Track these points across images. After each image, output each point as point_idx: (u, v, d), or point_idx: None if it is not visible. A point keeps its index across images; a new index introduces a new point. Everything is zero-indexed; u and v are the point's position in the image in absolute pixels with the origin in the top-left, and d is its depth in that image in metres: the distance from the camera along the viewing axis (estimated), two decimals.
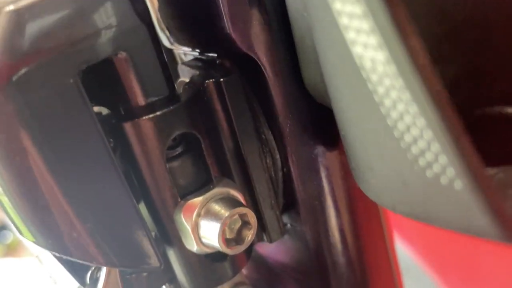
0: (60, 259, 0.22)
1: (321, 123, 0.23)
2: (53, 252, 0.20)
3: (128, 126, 0.19)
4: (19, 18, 0.17)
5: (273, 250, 0.27)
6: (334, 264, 0.26)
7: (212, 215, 0.20)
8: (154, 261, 0.20)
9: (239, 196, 0.21)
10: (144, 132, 0.19)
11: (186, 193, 0.21)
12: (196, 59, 0.24)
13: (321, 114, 0.22)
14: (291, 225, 0.25)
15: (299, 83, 0.21)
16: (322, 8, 0.14)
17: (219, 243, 0.20)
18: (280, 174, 0.23)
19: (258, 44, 0.21)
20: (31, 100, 0.17)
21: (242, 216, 0.20)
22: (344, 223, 0.26)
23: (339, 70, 0.15)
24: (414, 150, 0.13)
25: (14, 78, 0.17)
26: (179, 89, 0.22)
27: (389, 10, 0.12)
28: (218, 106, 0.21)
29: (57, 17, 0.17)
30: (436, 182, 0.13)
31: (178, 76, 0.25)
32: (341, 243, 0.26)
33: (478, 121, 0.19)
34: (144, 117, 0.19)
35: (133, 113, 0.19)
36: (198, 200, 0.20)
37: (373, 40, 0.12)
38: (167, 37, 0.24)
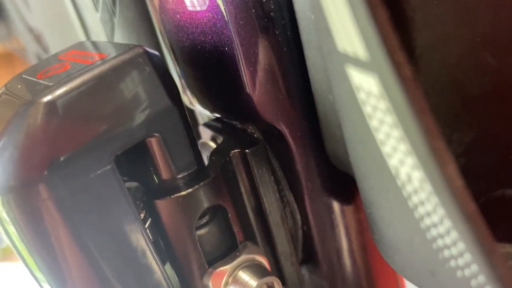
0: None
1: (339, 184, 0.24)
2: None
3: (159, 203, 0.20)
4: (55, 108, 0.17)
5: None
6: None
7: (241, 285, 0.21)
8: None
9: (264, 262, 0.22)
10: (174, 209, 0.20)
11: (213, 259, 0.21)
12: (217, 119, 0.25)
13: (339, 176, 0.23)
14: (309, 277, 0.26)
15: (321, 151, 0.22)
16: (355, 115, 0.14)
17: None
18: (300, 232, 0.24)
19: (282, 116, 0.21)
20: (70, 188, 0.17)
21: (268, 283, 0.21)
22: (361, 276, 0.26)
23: (370, 167, 0.16)
24: (446, 253, 0.14)
25: (53, 168, 0.17)
26: (201, 150, 0.22)
27: (427, 139, 0.12)
28: (243, 175, 0.22)
29: (91, 106, 0.18)
30: (466, 282, 0.14)
31: (199, 137, 0.26)
32: None
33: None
34: (174, 195, 0.19)
35: (164, 191, 0.20)
36: (225, 268, 0.21)
37: (410, 161, 0.13)
38: (188, 98, 0.25)
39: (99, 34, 0.30)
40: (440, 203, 0.13)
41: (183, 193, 0.19)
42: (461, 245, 0.13)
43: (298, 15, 0.18)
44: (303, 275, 0.26)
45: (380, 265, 0.26)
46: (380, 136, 0.14)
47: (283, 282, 0.25)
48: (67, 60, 0.20)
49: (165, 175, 0.20)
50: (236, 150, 0.21)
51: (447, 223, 0.13)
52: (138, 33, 0.28)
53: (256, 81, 0.21)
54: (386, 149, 0.14)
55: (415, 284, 0.18)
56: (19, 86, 0.20)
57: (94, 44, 0.22)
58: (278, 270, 0.24)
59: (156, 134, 0.19)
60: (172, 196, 0.19)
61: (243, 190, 0.22)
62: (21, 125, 0.17)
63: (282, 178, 0.23)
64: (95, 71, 0.18)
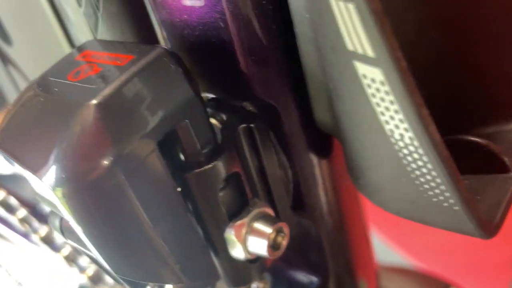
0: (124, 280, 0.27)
1: (320, 145, 0.29)
2: (135, 279, 0.25)
3: (190, 176, 0.24)
4: (105, 109, 0.21)
5: None
6: (328, 236, 0.33)
7: (258, 232, 0.26)
8: (215, 275, 0.26)
9: (271, 212, 0.27)
10: (202, 179, 0.24)
11: (232, 215, 0.26)
12: (212, 99, 0.29)
13: (319, 138, 0.29)
14: (298, 218, 0.32)
15: (307, 120, 0.27)
16: (358, 95, 0.20)
17: (267, 253, 0.26)
18: (291, 185, 0.30)
19: (274, 92, 0.26)
20: (128, 174, 0.21)
21: (278, 228, 0.26)
22: (334, 212, 0.33)
23: (367, 131, 0.21)
24: (426, 186, 0.20)
25: (110, 158, 0.21)
26: None
27: (416, 109, 0.18)
28: (250, 146, 0.26)
29: (133, 103, 0.21)
30: (440, 204, 0.20)
31: None
32: (332, 224, 0.33)
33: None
34: (202, 168, 0.24)
35: (192, 165, 0.24)
36: (244, 221, 0.26)
37: (402, 126, 0.18)
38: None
39: (82, 28, 0.32)
40: (424, 153, 0.19)
41: (210, 165, 0.24)
42: (438, 180, 0.19)
43: (293, 12, 0.23)
44: (293, 217, 0.32)
45: (347, 198, 0.33)
46: (380, 109, 0.19)
47: None
48: (93, 62, 0.23)
49: (192, 153, 0.24)
50: (242, 125, 0.26)
51: (429, 165, 0.19)
52: (122, 27, 0.31)
53: (251, 64, 0.25)
54: (384, 118, 0.19)
55: (393, 213, 0.25)
56: (56, 89, 0.23)
57: (107, 44, 0.25)
58: (277, 216, 0.30)
59: (186, 120, 0.23)
60: (201, 169, 0.24)
61: (248, 157, 0.26)
62: (77, 125, 0.21)
63: (277, 144, 0.28)
64: (131, 72, 0.21)
